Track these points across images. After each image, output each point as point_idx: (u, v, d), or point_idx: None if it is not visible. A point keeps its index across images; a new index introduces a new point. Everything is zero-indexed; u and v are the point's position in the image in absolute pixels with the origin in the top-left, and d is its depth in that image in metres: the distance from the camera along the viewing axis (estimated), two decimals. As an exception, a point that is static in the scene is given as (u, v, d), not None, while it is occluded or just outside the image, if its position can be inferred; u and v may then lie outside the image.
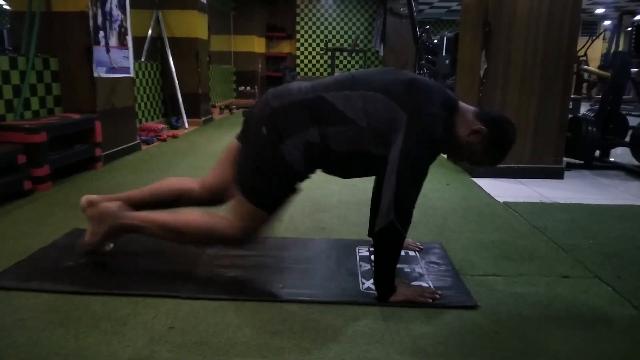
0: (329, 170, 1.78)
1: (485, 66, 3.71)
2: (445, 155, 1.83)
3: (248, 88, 10.71)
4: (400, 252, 1.66)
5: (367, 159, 1.68)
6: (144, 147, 4.77)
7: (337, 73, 9.99)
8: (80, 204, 1.96)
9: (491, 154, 1.74)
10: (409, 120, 1.58)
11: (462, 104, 1.75)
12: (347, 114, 1.63)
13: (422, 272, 1.94)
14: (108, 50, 3.92)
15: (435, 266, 2.00)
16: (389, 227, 1.57)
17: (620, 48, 9.55)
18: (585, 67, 6.39)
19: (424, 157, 1.61)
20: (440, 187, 3.43)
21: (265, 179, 1.68)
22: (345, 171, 1.79)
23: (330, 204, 2.91)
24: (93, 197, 1.96)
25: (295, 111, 1.65)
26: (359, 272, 1.92)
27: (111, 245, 2.00)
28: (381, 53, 11.13)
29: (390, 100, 1.61)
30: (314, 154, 1.66)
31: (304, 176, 1.72)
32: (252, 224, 1.71)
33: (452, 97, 1.72)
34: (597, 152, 4.42)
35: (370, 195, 2.06)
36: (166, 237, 1.79)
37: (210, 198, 1.93)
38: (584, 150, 4.16)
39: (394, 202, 1.56)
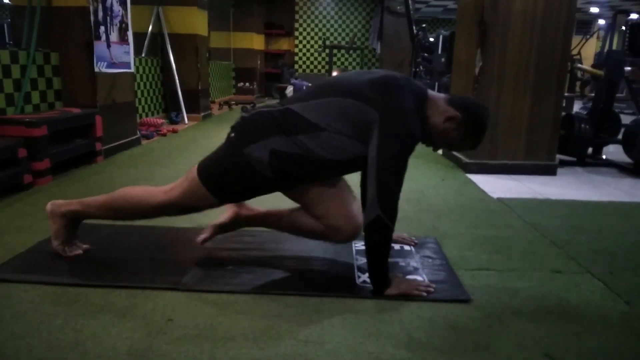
0: (306, 177, 1.74)
1: (481, 64, 3.74)
2: (424, 145, 1.85)
3: (247, 84, 10.71)
4: (390, 245, 1.68)
5: (340, 161, 1.70)
6: (144, 141, 4.78)
7: (334, 71, 10.01)
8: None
9: (468, 138, 1.78)
10: (381, 117, 1.61)
11: (431, 92, 1.78)
12: (314, 122, 1.66)
13: (417, 266, 1.97)
14: (109, 46, 3.93)
15: (430, 260, 2.03)
16: (375, 221, 1.60)
17: (614, 47, 9.57)
18: (579, 65, 6.39)
19: (401, 151, 1.63)
20: (434, 183, 3.46)
21: (224, 172, 1.74)
22: (320, 174, 1.75)
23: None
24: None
25: (261, 120, 1.71)
26: (355, 265, 1.95)
27: (84, 246, 2.00)
28: (378, 51, 11.14)
29: (360, 102, 1.64)
30: (282, 160, 1.67)
31: (272, 181, 1.71)
32: (193, 196, 1.77)
33: (421, 88, 1.76)
34: (590, 150, 4.45)
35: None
36: (107, 215, 1.89)
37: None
38: (577, 147, 4.19)
39: (377, 197, 1.59)
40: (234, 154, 1.71)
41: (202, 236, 2.01)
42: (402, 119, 1.63)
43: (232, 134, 1.75)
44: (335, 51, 11.33)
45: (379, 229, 1.61)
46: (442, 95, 1.80)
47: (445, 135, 1.76)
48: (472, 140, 1.78)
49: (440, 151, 4.51)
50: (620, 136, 4.40)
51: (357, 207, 1.80)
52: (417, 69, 7.85)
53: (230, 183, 1.74)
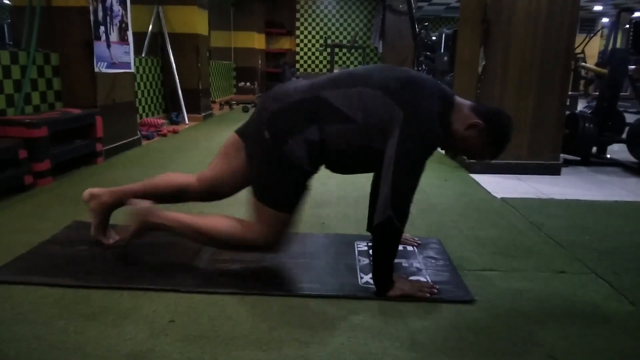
0: (332, 168, 1.79)
1: (484, 63, 3.72)
2: (442, 151, 1.84)
3: (248, 84, 10.71)
4: (398, 247, 1.68)
5: (368, 155, 1.69)
6: (144, 142, 4.77)
7: (336, 70, 9.99)
8: (83, 197, 2.01)
9: (488, 148, 1.75)
10: (405, 117, 1.59)
11: (458, 98, 1.76)
12: (345, 111, 1.64)
13: (420, 267, 1.95)
14: (109, 46, 3.93)
15: (433, 261, 2.02)
16: (386, 222, 1.59)
17: (618, 45, 9.55)
18: (583, 64, 6.38)
19: (420, 153, 1.62)
20: (438, 183, 3.45)
21: (277, 181, 1.69)
22: (348, 168, 1.80)
23: (330, 199, 2.92)
24: (96, 190, 2.00)
25: (294, 111, 1.67)
26: (358, 266, 1.94)
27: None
28: (380, 50, 11.13)
29: (387, 97, 1.62)
30: (316, 151, 1.67)
31: (311, 173, 1.72)
32: (277, 227, 1.73)
33: (448, 92, 1.73)
34: (594, 149, 4.43)
35: (368, 191, 2.07)
36: (196, 239, 1.82)
37: (207, 192, 1.96)
38: (581, 146, 4.17)
39: (391, 197, 1.57)
40: (277, 157, 1.66)
41: (112, 240, 2.02)
42: (425, 121, 1.61)
43: (266, 134, 1.67)
44: (336, 50, 11.33)
45: (389, 230, 1.60)
46: (468, 102, 1.77)
47: (465, 142, 1.73)
48: (492, 149, 1.75)
49: (442, 150, 4.49)
50: (624, 135, 4.38)
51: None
52: (420, 68, 7.83)
53: (289, 189, 1.71)
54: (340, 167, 1.79)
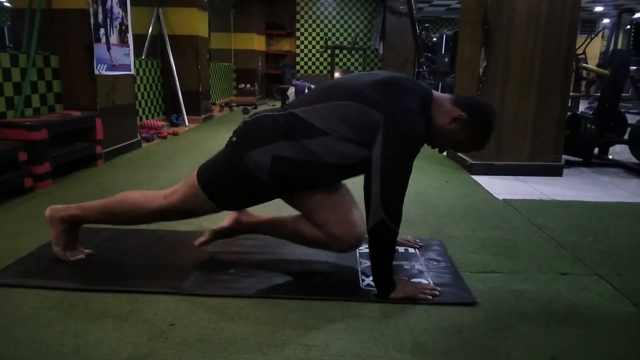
0: (309, 183, 1.72)
1: (485, 64, 3.72)
2: (429, 147, 1.82)
3: (248, 86, 10.71)
4: (394, 248, 1.67)
5: (344, 166, 1.68)
6: (144, 144, 4.77)
7: (336, 72, 10.00)
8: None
9: (475, 139, 1.75)
10: (386, 119, 1.59)
11: (436, 93, 1.76)
12: (318, 126, 1.64)
13: (422, 269, 1.95)
14: (109, 48, 3.93)
15: (435, 263, 2.01)
16: (379, 224, 1.58)
17: (619, 46, 9.55)
18: (584, 65, 6.38)
19: (406, 153, 1.61)
20: (439, 184, 3.44)
21: (224, 179, 1.72)
22: (324, 180, 1.74)
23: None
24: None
25: (264, 125, 1.70)
26: (359, 268, 1.93)
27: (86, 250, 1.99)
28: (381, 51, 11.12)
29: (363, 105, 1.62)
30: (284, 166, 1.65)
31: (269, 185, 1.69)
32: (191, 202, 1.76)
33: (425, 88, 1.73)
34: (596, 150, 4.42)
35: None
36: (106, 220, 1.87)
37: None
38: (582, 147, 4.16)
39: (381, 200, 1.57)
40: (235, 159, 1.69)
41: (200, 239, 2.00)
42: (406, 121, 1.61)
43: (234, 138, 1.73)
44: (337, 52, 11.34)
45: (383, 232, 1.60)
46: (447, 95, 1.77)
47: (451, 136, 1.73)
48: (478, 140, 1.76)
49: (444, 153, 4.49)
50: (626, 136, 4.37)
51: (358, 215, 1.78)
52: (421, 69, 7.84)
53: (229, 189, 1.72)
54: (318, 180, 1.73)
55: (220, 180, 1.72)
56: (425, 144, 1.76)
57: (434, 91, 1.76)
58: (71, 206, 1.90)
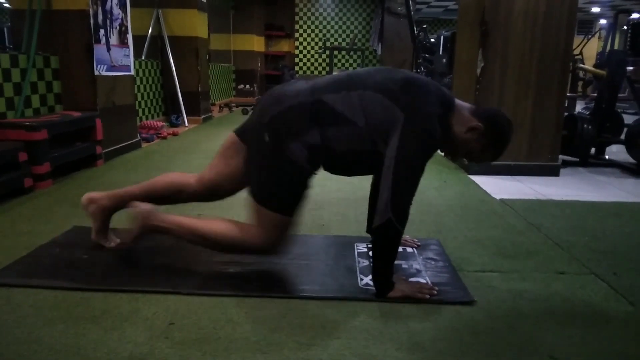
0: (333, 170, 1.80)
1: (482, 65, 3.73)
2: (442, 153, 1.84)
3: (247, 86, 10.71)
4: (397, 248, 1.69)
5: (369, 157, 1.70)
6: (144, 144, 4.78)
7: (335, 72, 10.00)
8: (82, 202, 2.01)
9: (489, 150, 1.75)
10: (406, 119, 1.60)
11: (458, 101, 1.76)
12: (346, 115, 1.64)
13: (420, 269, 1.96)
14: (109, 49, 3.93)
15: (433, 262, 2.02)
16: (386, 224, 1.59)
17: (616, 47, 9.57)
18: (581, 65, 6.39)
19: (420, 155, 1.62)
20: (437, 184, 3.45)
21: (277, 184, 1.69)
22: (349, 170, 1.81)
23: (329, 201, 2.93)
24: (94, 194, 2.00)
25: (294, 115, 1.67)
26: (358, 268, 1.94)
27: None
28: (379, 52, 11.14)
29: (388, 100, 1.62)
30: (318, 155, 1.68)
31: (311, 171, 1.72)
32: (277, 230, 1.73)
33: (448, 95, 1.74)
34: (593, 150, 4.43)
35: (368, 193, 2.08)
36: (196, 242, 1.82)
37: (207, 192, 1.96)
38: (579, 147, 4.18)
39: (391, 199, 1.58)
40: (278, 159, 1.67)
41: (113, 244, 2.04)
42: (425, 123, 1.61)
43: (267, 137, 1.68)
44: (335, 52, 11.33)
45: (389, 232, 1.61)
46: (467, 105, 1.78)
47: (466, 145, 1.74)
48: (492, 152, 1.76)
49: (442, 153, 4.50)
50: (623, 136, 4.38)
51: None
52: (419, 70, 7.85)
53: (289, 191, 1.71)
54: (341, 169, 1.80)
55: (277, 187, 1.69)
56: (439, 151, 1.77)
57: (456, 99, 1.76)
58: (165, 218, 1.84)
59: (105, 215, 2.03)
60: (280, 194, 1.70)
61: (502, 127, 1.74)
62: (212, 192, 1.96)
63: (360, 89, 1.66)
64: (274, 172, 1.69)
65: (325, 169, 1.79)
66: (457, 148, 1.77)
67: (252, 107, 8.46)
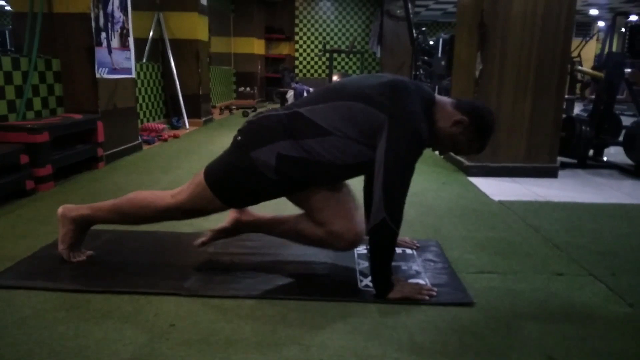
0: (312, 181, 1.75)
1: (481, 67, 3.74)
2: (437, 152, 1.86)
3: (248, 89, 10.73)
4: (394, 249, 1.69)
5: (347, 166, 1.71)
6: (145, 147, 4.79)
7: (335, 75, 10.03)
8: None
9: (475, 142, 1.78)
10: (390, 121, 1.62)
11: (439, 97, 1.79)
12: (323, 126, 1.67)
13: (419, 270, 1.96)
14: (110, 52, 3.95)
15: (432, 264, 2.03)
16: (380, 225, 1.60)
17: (614, 49, 9.57)
18: (579, 67, 6.41)
19: (408, 154, 1.63)
20: (436, 186, 3.46)
21: (230, 177, 1.75)
22: (326, 179, 1.76)
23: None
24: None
25: (268, 124, 1.72)
26: (357, 269, 1.95)
27: (88, 252, 2.00)
28: (378, 55, 11.16)
29: (368, 106, 1.65)
30: (288, 166, 1.68)
31: (277, 185, 1.72)
32: (200, 201, 1.78)
33: (428, 92, 1.77)
34: (591, 152, 4.44)
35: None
36: (116, 219, 1.90)
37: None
38: (578, 149, 4.18)
39: (384, 200, 1.59)
40: (241, 157, 1.72)
41: (201, 239, 2.03)
42: (410, 122, 1.63)
43: (239, 137, 1.76)
44: (335, 55, 11.34)
45: (384, 233, 1.62)
46: (449, 99, 1.80)
47: (452, 139, 1.77)
48: (478, 143, 1.79)
49: (441, 155, 4.51)
50: (621, 138, 4.39)
51: (359, 215, 1.81)
52: (418, 72, 7.86)
53: (236, 186, 1.75)
54: (320, 179, 1.75)
55: (228, 178, 1.75)
56: (427, 147, 1.78)
57: (436, 95, 1.79)
58: (82, 206, 1.93)
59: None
60: (229, 182, 1.75)
61: (485, 118, 1.77)
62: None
63: (338, 99, 1.69)
64: (233, 163, 1.74)
65: (302, 180, 1.73)
66: (444, 142, 1.79)
67: (252, 109, 8.49)
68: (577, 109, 7.49)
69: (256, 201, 1.82)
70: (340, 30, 11.88)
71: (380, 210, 1.59)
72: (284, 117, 1.72)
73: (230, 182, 1.75)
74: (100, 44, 3.78)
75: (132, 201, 1.87)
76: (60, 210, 1.93)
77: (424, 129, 1.66)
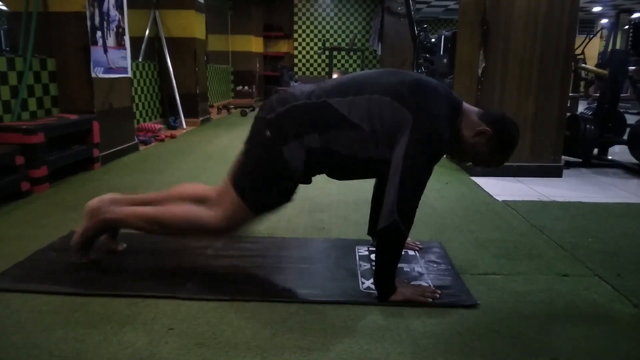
0: (331, 174, 1.79)
1: (484, 65, 3.71)
2: (447, 157, 1.84)
3: (246, 88, 10.71)
4: (401, 251, 1.67)
5: (370, 161, 1.68)
6: (141, 147, 4.76)
7: (335, 73, 10.00)
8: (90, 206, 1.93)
9: (496, 155, 1.75)
10: (414, 122, 1.58)
11: (466, 105, 1.75)
12: (351, 119, 1.63)
13: (422, 272, 1.94)
14: (105, 51, 3.91)
15: (435, 265, 2.00)
16: (391, 226, 1.57)
17: (618, 46, 9.57)
18: (583, 65, 6.39)
19: (428, 158, 1.61)
20: (439, 186, 3.43)
21: (262, 180, 1.70)
22: (346, 174, 1.80)
23: (330, 203, 2.91)
24: (105, 200, 1.92)
25: (297, 116, 1.67)
26: (359, 271, 1.92)
27: (124, 245, 2.05)
28: (379, 52, 11.15)
29: (396, 103, 1.61)
30: (316, 159, 1.67)
31: (303, 180, 1.73)
32: (236, 219, 1.73)
33: (457, 99, 1.73)
34: (596, 150, 4.43)
35: (370, 195, 2.07)
36: (152, 229, 1.83)
37: None
38: (582, 148, 4.17)
39: (397, 202, 1.56)
40: (272, 152, 1.67)
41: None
42: (434, 125, 1.60)
43: (268, 132, 1.68)
44: (335, 53, 11.33)
45: (394, 235, 1.59)
46: (475, 109, 1.77)
47: (473, 149, 1.73)
48: (499, 156, 1.76)
49: (449, 156, 4.48)
50: (625, 136, 4.38)
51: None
52: (419, 70, 7.84)
53: (267, 188, 1.71)
54: (340, 173, 1.79)
55: (259, 181, 1.70)
56: (446, 156, 1.76)
57: (464, 103, 1.76)
58: (118, 210, 1.85)
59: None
60: (259, 189, 1.70)
61: (510, 132, 1.74)
62: None
63: (368, 93, 1.65)
64: (263, 166, 1.70)
65: (326, 174, 1.79)
66: (465, 152, 1.76)
67: (250, 108, 8.46)
68: (581, 107, 7.47)
69: (283, 202, 1.77)
70: (340, 27, 11.87)
71: (392, 212, 1.56)
72: (312, 106, 1.67)
73: (261, 185, 1.70)
74: (95, 43, 3.75)
75: (174, 221, 1.78)
76: (94, 203, 1.86)
77: (445, 134, 1.63)
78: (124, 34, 4.28)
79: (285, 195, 1.75)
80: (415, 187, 1.60)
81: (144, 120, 5.83)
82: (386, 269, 1.66)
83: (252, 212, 1.72)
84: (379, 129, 1.62)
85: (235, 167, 1.76)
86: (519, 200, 3.07)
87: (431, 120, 1.60)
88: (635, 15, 9.83)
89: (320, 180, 1.85)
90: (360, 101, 1.64)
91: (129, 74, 4.43)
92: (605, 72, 4.46)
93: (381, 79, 1.69)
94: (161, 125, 5.79)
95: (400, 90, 1.63)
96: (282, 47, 12.09)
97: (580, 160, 4.26)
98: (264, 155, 1.69)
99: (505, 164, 1.84)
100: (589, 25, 15.86)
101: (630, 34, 4.65)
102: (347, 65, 12.00)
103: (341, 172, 1.77)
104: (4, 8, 4.67)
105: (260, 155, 1.71)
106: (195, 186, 2.00)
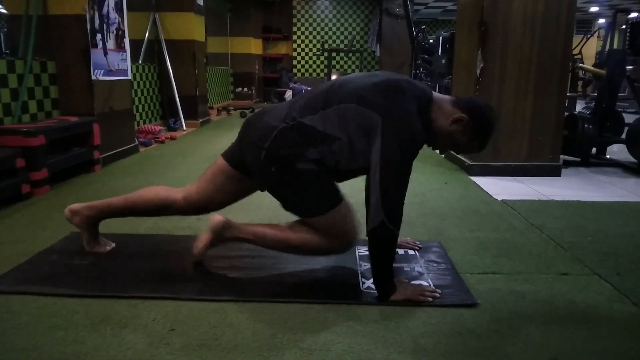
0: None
1: (482, 65, 3.72)
2: (437, 151, 1.84)
3: (245, 89, 10.71)
4: (395, 250, 1.68)
5: (360, 167, 1.69)
6: (142, 149, 4.76)
7: (333, 74, 10.00)
8: (65, 215, 2.03)
9: (475, 140, 1.75)
10: (383, 122, 1.60)
11: (437, 94, 1.76)
12: (328, 132, 1.65)
13: (422, 271, 1.94)
14: (105, 53, 3.92)
15: (435, 265, 2.01)
16: (380, 226, 1.58)
17: (615, 46, 9.58)
18: (581, 65, 6.40)
19: (404, 155, 1.61)
20: (438, 186, 3.44)
21: (309, 194, 1.71)
22: (343, 178, 1.81)
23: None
24: (74, 206, 2.02)
25: (284, 141, 1.67)
26: (359, 271, 1.93)
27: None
28: (377, 53, 11.15)
29: (362, 107, 1.62)
30: (324, 165, 1.68)
31: (327, 169, 1.71)
32: (342, 223, 1.73)
33: (425, 90, 1.73)
34: (594, 150, 4.43)
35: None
36: (281, 249, 1.83)
37: (194, 211, 1.98)
38: (580, 147, 4.17)
39: (381, 202, 1.57)
40: (294, 178, 1.69)
41: (108, 248, 2.08)
42: (404, 123, 1.61)
43: (273, 169, 1.69)
44: (334, 54, 11.33)
45: (383, 234, 1.60)
46: (447, 97, 1.77)
47: (452, 137, 1.74)
48: (479, 142, 1.76)
49: (443, 154, 4.49)
50: (623, 135, 4.38)
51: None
52: (418, 71, 7.84)
53: (321, 190, 1.72)
54: (338, 178, 1.80)
55: (315, 195, 1.72)
56: (426, 145, 1.76)
57: (434, 93, 1.76)
58: (245, 230, 1.85)
59: (90, 225, 2.04)
60: (318, 198, 1.71)
61: (486, 116, 1.73)
62: (199, 211, 1.99)
63: (335, 103, 1.67)
64: (300, 189, 1.71)
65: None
66: (444, 141, 1.76)
67: (250, 110, 8.46)
68: (579, 107, 7.48)
69: (334, 187, 1.77)
70: (338, 29, 11.87)
71: (378, 212, 1.57)
72: (289, 130, 1.67)
73: (309, 194, 1.72)
74: (95, 45, 3.76)
75: (303, 244, 1.78)
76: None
77: (418, 129, 1.63)
78: (124, 37, 4.28)
79: (328, 180, 1.74)
80: (397, 185, 1.61)
81: (144, 122, 5.83)
82: (383, 269, 1.67)
83: (338, 205, 1.72)
84: (354, 135, 1.63)
85: (290, 207, 1.77)
86: (518, 200, 3.07)
87: (400, 118, 1.61)
88: (632, 15, 9.85)
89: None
90: (330, 113, 1.66)
91: (129, 76, 4.44)
92: (603, 71, 4.47)
93: (351, 84, 1.70)
94: (161, 127, 5.79)
95: (363, 94, 1.64)
96: (281, 48, 12.09)
97: (579, 159, 4.27)
98: (289, 184, 1.71)
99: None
100: (586, 25, 15.85)
101: (628, 34, 4.65)
102: (345, 67, 12.00)
103: (339, 177, 1.78)
104: (4, 11, 4.67)
105: (288, 187, 1.72)
106: (163, 189, 2.01)
